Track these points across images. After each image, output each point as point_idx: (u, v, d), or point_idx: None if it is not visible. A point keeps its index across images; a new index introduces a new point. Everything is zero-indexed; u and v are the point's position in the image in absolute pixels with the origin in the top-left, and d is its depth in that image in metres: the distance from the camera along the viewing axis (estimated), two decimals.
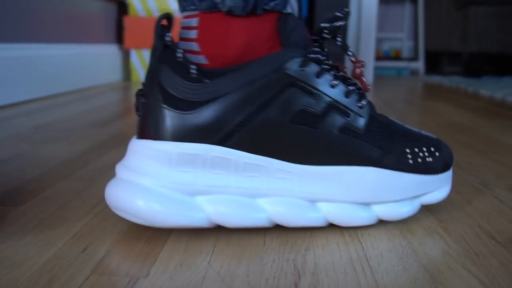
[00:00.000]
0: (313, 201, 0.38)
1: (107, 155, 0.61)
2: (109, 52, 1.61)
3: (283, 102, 0.36)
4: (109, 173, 0.53)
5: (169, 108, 0.35)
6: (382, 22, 2.74)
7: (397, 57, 2.74)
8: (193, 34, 0.38)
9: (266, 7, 0.38)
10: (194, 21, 0.39)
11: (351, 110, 0.37)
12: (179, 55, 0.36)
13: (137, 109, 0.37)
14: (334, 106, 0.37)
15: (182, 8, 0.40)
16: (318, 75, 0.37)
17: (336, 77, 0.38)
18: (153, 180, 0.35)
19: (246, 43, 0.37)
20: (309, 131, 0.36)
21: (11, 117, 0.88)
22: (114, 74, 1.65)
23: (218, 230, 0.38)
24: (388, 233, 0.38)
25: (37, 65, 1.13)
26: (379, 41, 2.76)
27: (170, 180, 0.35)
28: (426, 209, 0.43)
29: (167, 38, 0.36)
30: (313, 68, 0.37)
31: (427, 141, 0.40)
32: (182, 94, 0.35)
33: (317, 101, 0.36)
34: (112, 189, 0.36)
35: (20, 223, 0.38)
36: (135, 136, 0.38)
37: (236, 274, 0.31)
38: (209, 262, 0.33)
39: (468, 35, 2.07)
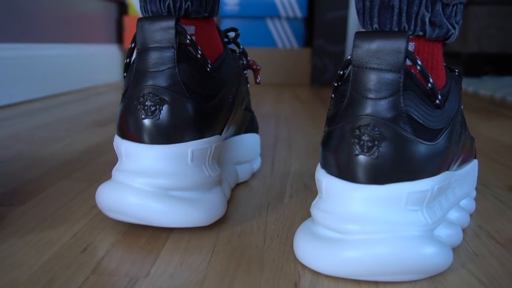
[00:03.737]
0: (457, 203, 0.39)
1: (107, 155, 0.61)
2: (109, 52, 1.61)
3: (461, 116, 0.38)
4: (109, 173, 0.53)
5: (423, 141, 0.31)
6: None
7: None
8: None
9: None
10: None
11: None
12: (431, 82, 0.31)
13: (367, 150, 0.30)
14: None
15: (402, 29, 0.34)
16: None
17: None
18: (417, 227, 0.30)
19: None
20: (464, 136, 0.39)
21: (11, 117, 0.88)
22: (114, 74, 1.65)
23: (218, 230, 0.38)
24: None
25: (37, 65, 1.13)
26: None
27: (432, 221, 0.31)
28: None
29: (419, 66, 0.31)
30: None
31: None
32: (428, 123, 0.31)
33: None
34: (351, 252, 0.29)
35: (20, 223, 0.38)
36: (350, 182, 0.30)
37: (236, 274, 0.31)
38: (209, 262, 0.33)
39: (468, 35, 2.07)
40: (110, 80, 1.62)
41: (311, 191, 0.49)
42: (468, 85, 1.69)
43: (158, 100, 0.35)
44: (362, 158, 0.30)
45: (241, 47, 0.50)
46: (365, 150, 0.29)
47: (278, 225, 0.39)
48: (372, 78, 0.30)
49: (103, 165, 0.56)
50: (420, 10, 0.33)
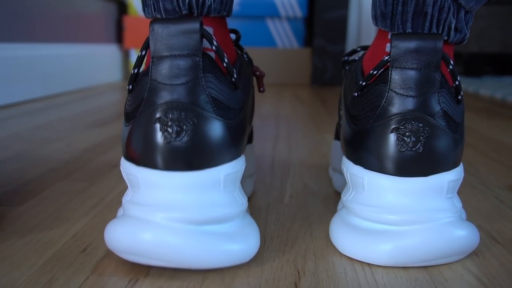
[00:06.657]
0: None
1: (107, 155, 0.61)
2: (109, 52, 1.61)
3: None
4: (109, 173, 0.53)
5: (453, 133, 0.33)
6: None
7: None
8: None
9: None
10: None
11: None
12: (459, 80, 0.34)
13: (412, 146, 0.32)
14: None
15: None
16: None
17: None
18: (453, 213, 0.33)
19: None
20: None
21: (11, 117, 0.88)
22: (114, 74, 1.65)
23: None
24: None
25: (37, 65, 1.13)
26: None
27: (460, 206, 0.34)
28: None
29: None
30: None
31: None
32: (455, 117, 0.34)
33: None
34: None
35: (20, 223, 0.38)
36: (396, 176, 0.32)
37: (236, 274, 0.31)
38: None
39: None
40: (110, 80, 1.62)
41: (311, 191, 0.49)
42: (468, 85, 1.69)
43: (184, 119, 0.29)
44: (408, 153, 0.32)
45: (245, 51, 0.43)
46: (410, 146, 0.32)
47: (278, 225, 0.39)
48: (412, 77, 0.32)
49: (103, 165, 0.56)
50: (448, 17, 0.35)
